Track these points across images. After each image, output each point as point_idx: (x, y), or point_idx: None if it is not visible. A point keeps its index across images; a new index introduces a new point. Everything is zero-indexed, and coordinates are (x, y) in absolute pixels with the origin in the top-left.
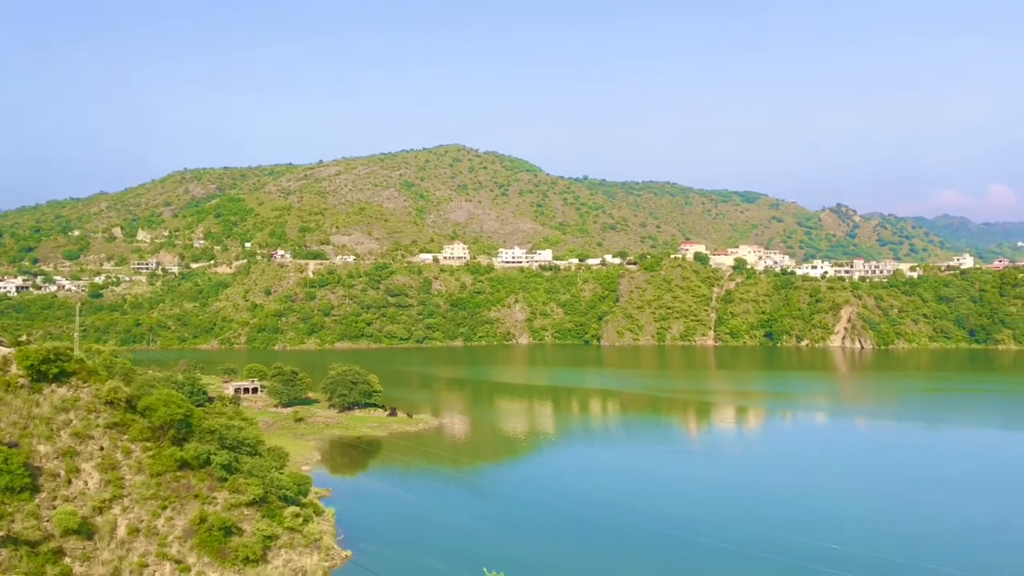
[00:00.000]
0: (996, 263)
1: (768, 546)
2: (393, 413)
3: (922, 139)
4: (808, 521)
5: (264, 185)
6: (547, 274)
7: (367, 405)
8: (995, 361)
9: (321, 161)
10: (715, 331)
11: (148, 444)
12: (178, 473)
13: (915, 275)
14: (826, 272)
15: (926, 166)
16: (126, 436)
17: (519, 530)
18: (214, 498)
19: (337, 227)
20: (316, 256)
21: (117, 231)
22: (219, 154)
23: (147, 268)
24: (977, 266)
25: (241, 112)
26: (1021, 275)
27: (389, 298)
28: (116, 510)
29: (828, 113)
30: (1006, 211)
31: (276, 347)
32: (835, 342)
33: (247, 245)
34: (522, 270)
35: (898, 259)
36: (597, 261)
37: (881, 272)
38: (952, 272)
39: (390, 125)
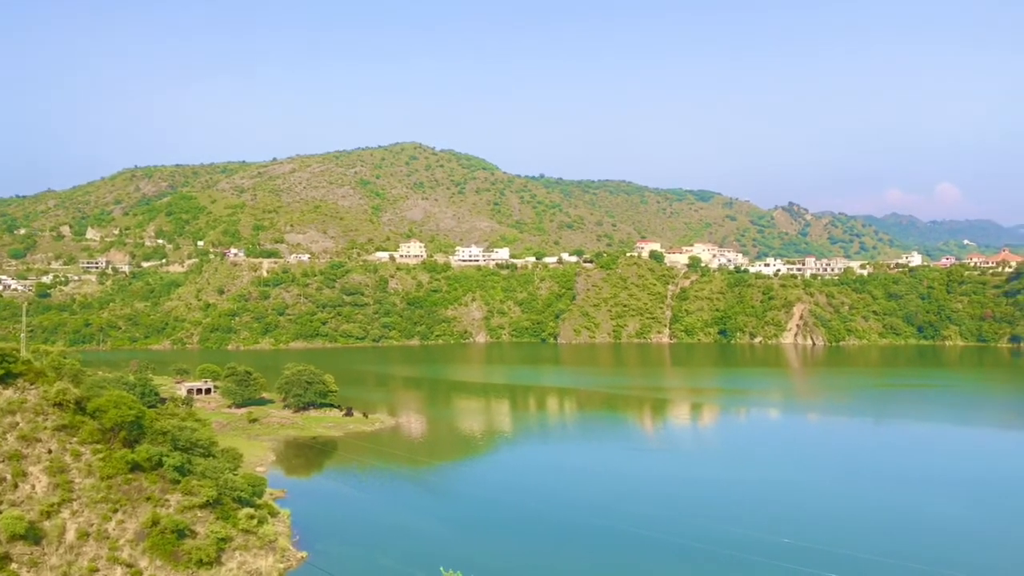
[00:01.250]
0: (943, 261)
1: (722, 541)
2: (349, 413)
3: (871, 139)
4: (761, 516)
5: (217, 183)
6: (504, 272)
7: (323, 405)
8: (942, 357)
9: (275, 159)
10: (670, 328)
11: (98, 446)
12: (129, 476)
13: (865, 273)
14: (779, 270)
15: (875, 166)
16: (75, 438)
17: (476, 529)
18: (167, 500)
19: (292, 225)
20: (270, 255)
21: (65, 229)
22: (170, 152)
23: (97, 267)
24: (925, 264)
25: (193, 109)
26: (967, 272)
27: (345, 297)
28: (65, 514)
29: (780, 114)
30: (952, 210)
31: (230, 347)
32: (788, 339)
33: (200, 244)
34: (479, 268)
35: (849, 257)
36: (554, 259)
37: (832, 270)
38: (901, 270)
39: (345, 123)
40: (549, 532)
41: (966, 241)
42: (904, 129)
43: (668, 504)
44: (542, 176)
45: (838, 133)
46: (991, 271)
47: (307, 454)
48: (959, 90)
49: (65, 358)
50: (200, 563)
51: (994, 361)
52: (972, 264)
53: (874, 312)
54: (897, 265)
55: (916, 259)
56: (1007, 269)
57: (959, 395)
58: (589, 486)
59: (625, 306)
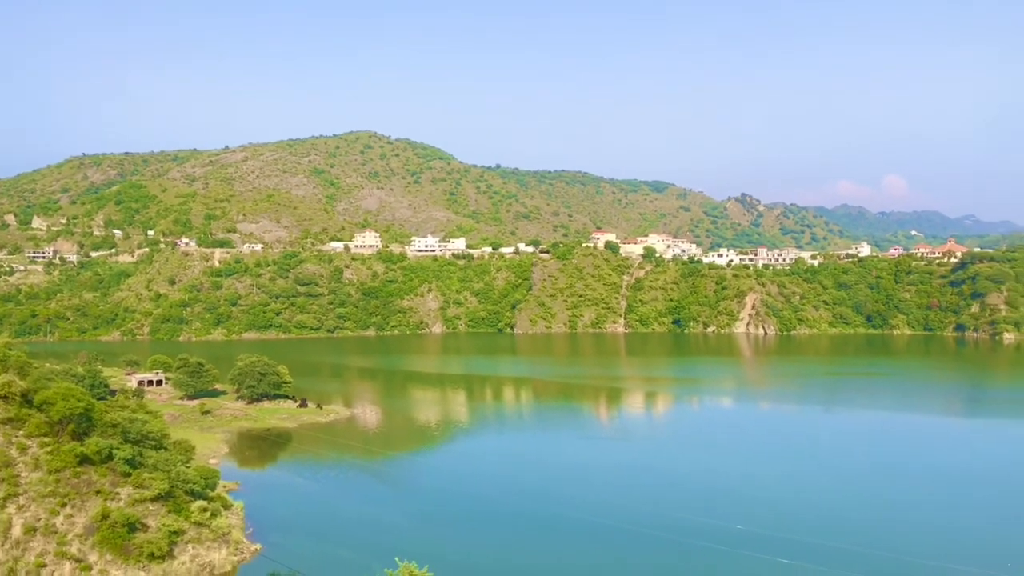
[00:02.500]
0: (891, 251)
1: (677, 528)
2: (303, 404)
3: (822, 131)
4: (715, 503)
5: (167, 171)
6: (460, 263)
7: (276, 396)
8: (890, 345)
9: (227, 147)
10: (625, 318)
11: (46, 440)
12: (78, 469)
13: (816, 263)
14: (731, 260)
15: (826, 158)
16: (21, 432)
17: (433, 519)
18: (117, 494)
19: (244, 215)
20: (222, 244)
21: (10, 218)
22: (119, 139)
23: (43, 257)
24: (874, 254)
25: (143, 96)
26: (914, 263)
27: (299, 287)
28: (11, 509)
29: (732, 107)
30: (900, 201)
31: (181, 338)
32: (740, 328)
33: (150, 233)
34: (435, 259)
35: (800, 247)
36: (510, 250)
37: (784, 260)
38: (851, 260)
39: (299, 111)
40: (505, 521)
41: (913, 232)
42: (854, 122)
43: (623, 492)
44: (498, 166)
45: (790, 126)
46: (937, 261)
47: (261, 446)
48: (906, 85)
49: (11, 350)
50: (152, 557)
51: (940, 349)
52: (919, 255)
53: (824, 302)
54: (847, 256)
55: (865, 250)
56: (952, 259)
57: (906, 383)
58: (545, 475)
59: (581, 296)
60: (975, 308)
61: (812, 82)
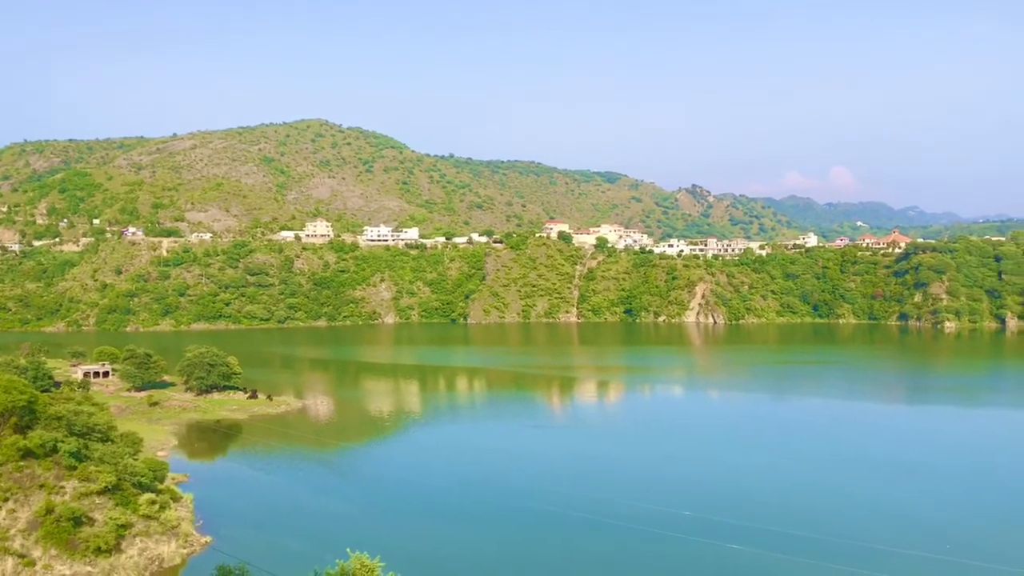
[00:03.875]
0: (838, 242)
1: (628, 515)
2: (254, 395)
3: (770, 124)
4: (665, 490)
5: (113, 159)
6: (413, 252)
7: (226, 388)
8: (836, 334)
9: (175, 134)
10: (578, 308)
11: None
12: (21, 463)
13: (764, 253)
14: (682, 251)
15: (775, 150)
16: None
17: (385, 510)
18: (62, 488)
19: (192, 203)
20: (170, 234)
21: None
22: (63, 126)
23: None
24: (821, 245)
25: (88, 82)
26: (860, 253)
27: (248, 277)
28: None
29: (683, 98)
30: (846, 192)
31: (128, 329)
32: (690, 317)
33: (95, 222)
34: (388, 248)
35: (749, 238)
36: (464, 240)
37: (733, 250)
38: (798, 250)
39: (248, 98)
40: (458, 511)
41: (859, 223)
42: (801, 114)
43: (575, 480)
44: (452, 156)
45: (739, 117)
46: (882, 251)
47: (210, 438)
48: (851, 78)
49: None
50: (98, 551)
51: (884, 338)
52: (864, 245)
53: (772, 291)
54: (794, 246)
55: (812, 240)
56: (896, 250)
57: (852, 372)
58: (497, 465)
59: (534, 286)
60: (918, 298)
61: (762, 76)
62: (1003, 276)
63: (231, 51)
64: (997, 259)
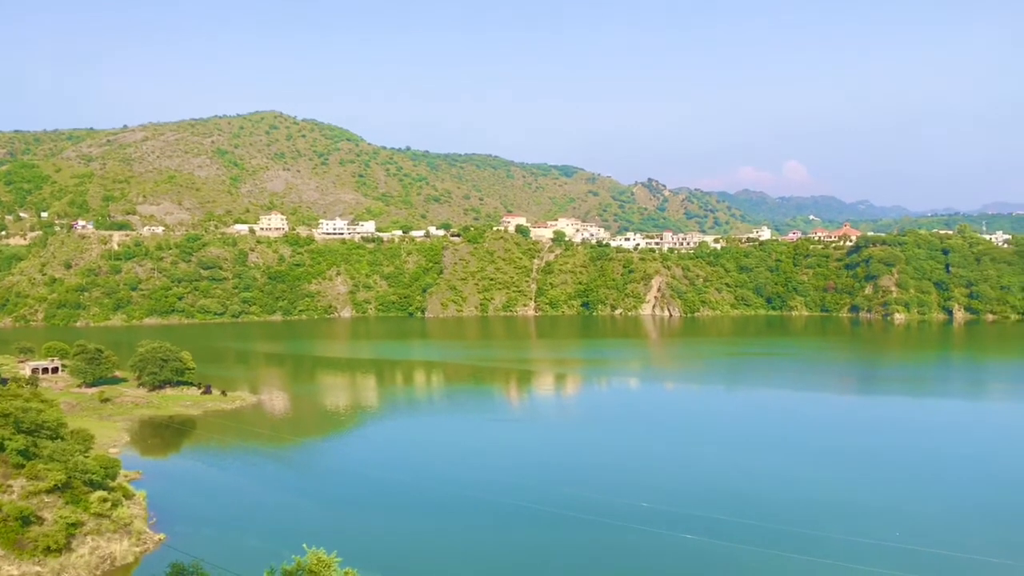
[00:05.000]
0: (790, 235)
1: (586, 507)
2: (208, 391)
3: (725, 118)
4: (621, 481)
5: (62, 151)
6: (370, 246)
7: (180, 383)
8: (789, 326)
9: (126, 126)
10: (535, 301)
11: None
12: None
13: (719, 247)
14: (638, 244)
15: (729, 144)
16: None
17: (342, 505)
18: (9, 486)
19: (144, 196)
20: (121, 227)
21: None
22: (9, 117)
23: None
24: (774, 238)
25: (35, 72)
26: (812, 246)
27: (202, 271)
28: None
29: (639, 92)
30: (799, 186)
31: (78, 324)
32: (646, 310)
33: (44, 215)
34: (344, 242)
35: (704, 231)
36: (421, 233)
37: (688, 244)
38: (752, 244)
39: (201, 90)
40: (416, 505)
41: (811, 216)
42: (756, 109)
43: (532, 473)
44: (408, 148)
45: (695, 111)
46: (833, 245)
47: (163, 434)
48: (805, 73)
49: None
50: (48, 551)
51: (836, 330)
52: (817, 238)
53: (727, 284)
54: (748, 239)
55: (766, 234)
56: (848, 243)
57: (804, 363)
58: (455, 459)
59: (492, 280)
60: (868, 290)
61: (717, 68)
62: (950, 269)
63: (183, 41)
64: (945, 252)
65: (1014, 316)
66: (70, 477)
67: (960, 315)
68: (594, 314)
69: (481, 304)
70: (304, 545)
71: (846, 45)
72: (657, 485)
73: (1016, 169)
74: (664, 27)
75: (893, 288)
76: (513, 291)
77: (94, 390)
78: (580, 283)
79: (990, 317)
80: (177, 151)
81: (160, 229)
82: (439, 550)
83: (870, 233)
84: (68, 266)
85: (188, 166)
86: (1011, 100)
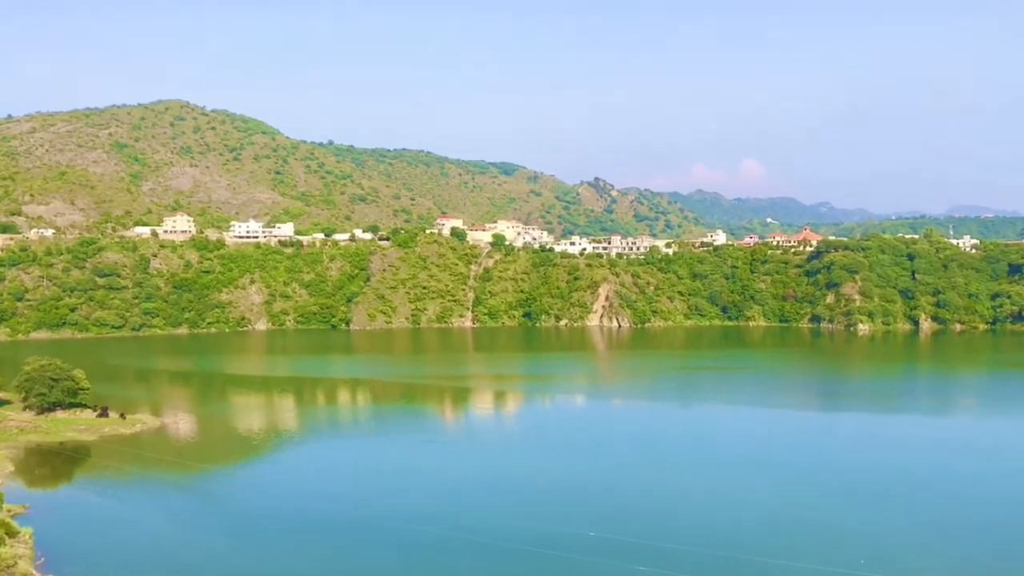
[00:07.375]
0: (747, 239)
1: (527, 538)
2: (104, 414)
3: (676, 113)
4: (567, 508)
5: None
6: (288, 251)
7: (72, 405)
8: (746, 337)
9: (10, 116)
10: (473, 311)
11: None
12: None
13: (671, 252)
14: (584, 249)
15: (681, 141)
16: None
17: (256, 539)
18: None
19: (32, 195)
20: (5, 229)
21: None
22: None
23: None
24: (729, 242)
25: None
26: (770, 251)
27: (98, 279)
28: None
29: (582, 87)
30: (756, 187)
31: None
32: (593, 321)
33: None
34: (259, 246)
35: (655, 235)
36: (345, 236)
37: (638, 249)
38: (706, 248)
39: (97, 74)
40: (338, 539)
41: (769, 219)
42: (709, 104)
43: (467, 500)
44: (331, 143)
45: (643, 107)
46: (793, 250)
47: (53, 462)
48: (764, 67)
49: None
50: None
51: (796, 340)
52: (775, 243)
53: (679, 292)
54: (702, 244)
55: (721, 238)
56: (808, 248)
57: (762, 377)
58: (384, 485)
59: (424, 288)
60: (830, 299)
61: (667, 64)
62: (916, 276)
63: (77, 19)
64: (910, 258)
65: (982, 326)
66: None
67: (927, 325)
68: (537, 325)
69: (413, 315)
70: None
71: (802, 35)
72: (606, 512)
73: (983, 170)
74: (606, 19)
75: (856, 296)
76: (448, 300)
77: None
78: (522, 292)
79: (958, 327)
80: (69, 144)
81: (50, 232)
82: None
83: (831, 237)
84: None
85: (82, 161)
86: (971, 98)
